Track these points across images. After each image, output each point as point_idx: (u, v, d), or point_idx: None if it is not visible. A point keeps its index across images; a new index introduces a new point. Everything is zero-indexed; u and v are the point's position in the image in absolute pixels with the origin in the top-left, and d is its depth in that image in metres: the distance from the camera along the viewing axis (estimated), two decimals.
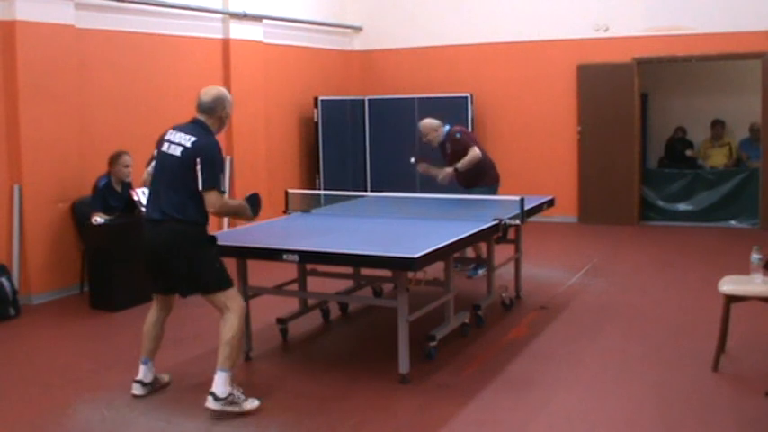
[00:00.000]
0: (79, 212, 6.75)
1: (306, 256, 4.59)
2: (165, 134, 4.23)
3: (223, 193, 4.10)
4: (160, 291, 4.37)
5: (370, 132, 10.76)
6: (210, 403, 4.01)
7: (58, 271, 6.75)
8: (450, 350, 5.00)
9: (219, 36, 8.71)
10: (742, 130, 10.32)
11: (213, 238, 4.23)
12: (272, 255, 4.61)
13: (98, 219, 6.38)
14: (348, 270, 5.93)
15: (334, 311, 6.02)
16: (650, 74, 10.46)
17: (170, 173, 4.09)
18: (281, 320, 5.42)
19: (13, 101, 6.41)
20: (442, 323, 5.08)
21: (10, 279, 6.24)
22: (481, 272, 6.75)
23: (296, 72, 10.02)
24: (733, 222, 9.62)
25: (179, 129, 4.18)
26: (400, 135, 10.42)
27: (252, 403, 4.09)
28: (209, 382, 4.11)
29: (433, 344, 4.86)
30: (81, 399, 4.40)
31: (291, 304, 5.68)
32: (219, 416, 4.01)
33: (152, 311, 4.43)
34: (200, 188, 4.00)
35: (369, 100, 10.81)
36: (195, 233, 4.11)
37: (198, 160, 3.99)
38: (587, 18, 9.88)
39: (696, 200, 9.88)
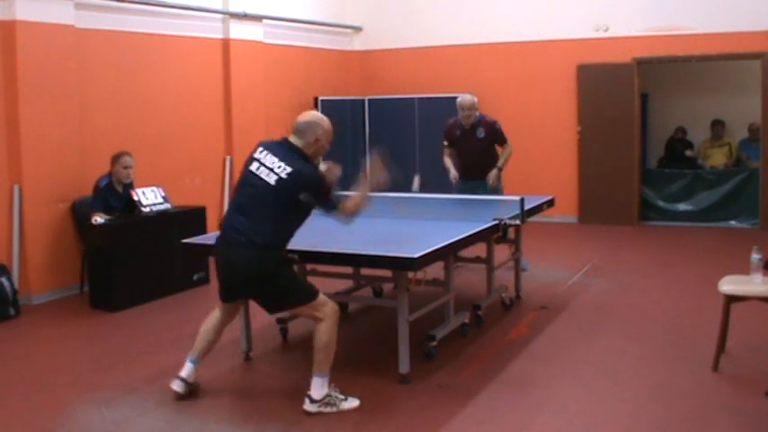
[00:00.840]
0: (79, 212, 6.75)
1: (306, 256, 4.58)
2: (254, 150, 4.09)
3: (341, 200, 4.07)
4: (229, 300, 4.29)
5: (370, 132, 10.76)
6: (307, 405, 4.03)
7: (58, 271, 6.75)
8: (450, 350, 5.00)
9: (219, 36, 8.71)
10: (742, 130, 10.32)
11: (292, 262, 4.19)
12: None
13: (98, 219, 6.38)
14: (348, 270, 5.92)
15: None
16: (650, 74, 10.46)
17: (257, 198, 3.96)
18: (280, 320, 5.41)
19: (13, 101, 6.41)
20: (442, 323, 5.08)
21: (10, 279, 6.24)
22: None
23: (296, 72, 10.02)
24: (733, 222, 9.62)
25: (271, 149, 4.03)
26: (400, 135, 10.42)
27: (351, 403, 4.10)
28: (209, 382, 4.12)
29: (433, 344, 4.86)
30: (81, 399, 4.39)
31: None
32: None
33: (215, 314, 4.35)
34: (325, 214, 4.05)
35: (369, 100, 10.81)
36: (270, 258, 3.98)
37: (304, 195, 3.92)
38: (587, 18, 9.88)
39: (696, 200, 9.88)
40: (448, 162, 7.19)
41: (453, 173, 7.08)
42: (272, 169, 3.93)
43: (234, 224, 4.02)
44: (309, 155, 4.05)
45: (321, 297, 4.12)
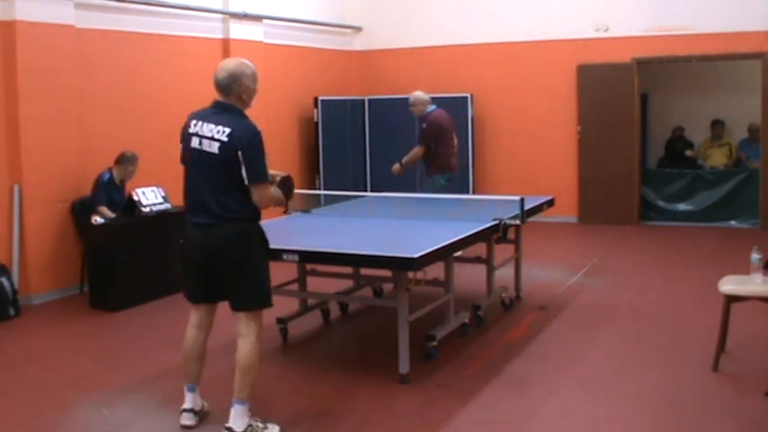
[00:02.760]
0: (79, 212, 6.75)
1: (306, 256, 4.59)
2: (186, 126, 3.78)
3: (269, 182, 3.73)
4: (206, 300, 3.90)
5: (370, 132, 10.76)
6: None
7: (58, 271, 6.75)
8: (450, 350, 5.00)
9: (219, 36, 8.71)
10: (742, 130, 10.32)
11: (267, 243, 3.83)
12: (272, 255, 4.58)
13: (98, 219, 6.39)
14: (348, 270, 5.93)
15: (334, 311, 6.02)
16: (650, 74, 10.45)
17: (211, 172, 3.66)
18: (281, 320, 5.42)
19: (13, 101, 6.41)
20: (441, 323, 5.08)
21: (10, 279, 6.24)
22: None
23: (296, 72, 10.02)
24: (733, 222, 9.63)
25: (204, 119, 3.71)
26: (400, 135, 10.40)
27: (272, 430, 3.80)
28: (209, 382, 4.11)
29: (433, 344, 4.86)
30: (81, 399, 4.40)
31: (291, 304, 5.68)
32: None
33: (190, 330, 3.95)
34: (246, 183, 3.61)
35: (369, 100, 10.80)
36: (251, 230, 3.73)
37: (240, 154, 3.59)
38: (587, 18, 9.88)
39: (696, 200, 9.88)
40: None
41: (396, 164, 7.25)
42: (211, 138, 3.64)
43: (194, 204, 3.76)
44: (243, 107, 3.76)
45: (265, 311, 3.84)
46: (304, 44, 10.19)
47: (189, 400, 3.94)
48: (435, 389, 4.41)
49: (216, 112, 3.72)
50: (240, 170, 3.61)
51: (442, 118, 7.19)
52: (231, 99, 3.74)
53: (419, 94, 7.25)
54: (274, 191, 3.82)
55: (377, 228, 5.39)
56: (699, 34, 9.30)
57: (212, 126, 3.67)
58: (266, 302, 3.81)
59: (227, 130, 3.62)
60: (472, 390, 4.37)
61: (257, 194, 3.66)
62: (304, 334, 5.59)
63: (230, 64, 3.81)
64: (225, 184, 3.66)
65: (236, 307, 3.79)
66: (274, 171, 3.88)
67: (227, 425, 3.71)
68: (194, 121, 3.75)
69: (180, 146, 3.86)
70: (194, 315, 3.96)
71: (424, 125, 7.14)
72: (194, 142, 3.71)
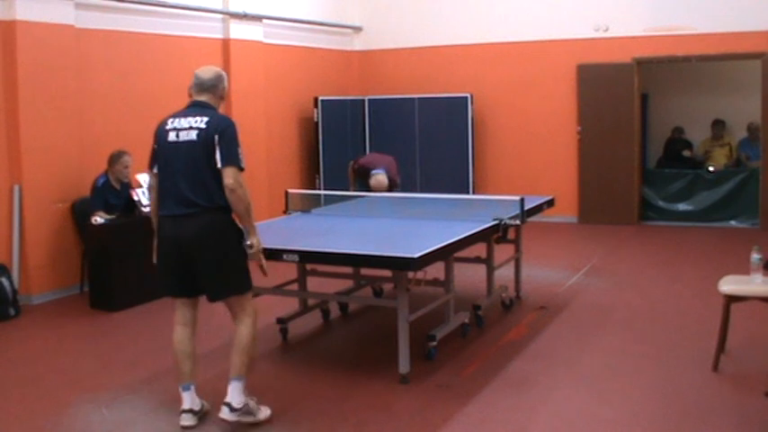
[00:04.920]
0: (79, 212, 6.75)
1: (306, 256, 4.59)
2: (163, 125, 3.90)
3: (242, 170, 3.78)
4: (185, 294, 3.97)
5: (370, 132, 10.76)
6: (226, 414, 3.84)
7: (58, 271, 6.75)
8: (450, 350, 5.00)
9: (219, 36, 8.72)
10: (742, 130, 10.32)
11: (242, 233, 3.87)
12: (272, 255, 4.58)
13: (98, 219, 6.38)
14: (348, 270, 5.93)
15: (335, 311, 6.02)
16: (650, 74, 10.46)
17: (187, 161, 3.76)
18: (281, 320, 5.42)
19: (13, 101, 6.41)
20: (442, 323, 5.08)
21: (10, 279, 6.24)
22: None
23: (296, 72, 10.02)
24: (733, 222, 9.63)
25: (182, 115, 3.87)
26: (400, 135, 10.42)
27: (265, 412, 3.96)
28: (209, 382, 4.11)
29: (433, 344, 4.86)
30: (81, 399, 4.40)
31: (291, 304, 5.68)
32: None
33: (176, 329, 4.02)
34: (219, 165, 3.71)
35: (369, 100, 10.80)
36: (222, 220, 3.81)
37: (216, 137, 3.72)
38: (587, 18, 9.88)
39: (696, 200, 9.89)
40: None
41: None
42: (189, 127, 3.79)
43: (169, 198, 3.82)
44: (217, 106, 3.95)
45: (252, 292, 3.98)
46: (304, 44, 10.19)
47: (187, 401, 3.96)
48: (435, 389, 4.41)
49: (193, 110, 3.90)
50: (215, 156, 3.73)
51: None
52: (210, 99, 3.94)
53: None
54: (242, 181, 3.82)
55: (377, 228, 5.39)
56: (699, 34, 9.30)
57: (190, 118, 3.83)
58: (247, 287, 3.93)
59: (206, 119, 3.80)
60: (472, 390, 4.37)
61: (229, 176, 3.72)
62: (304, 334, 5.59)
63: (213, 68, 4.05)
64: (201, 173, 3.76)
65: (214, 297, 3.92)
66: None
67: (225, 400, 3.84)
68: (171, 119, 3.90)
69: (150, 150, 3.96)
70: (178, 313, 4.04)
71: None
72: (171, 137, 3.84)
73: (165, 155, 3.88)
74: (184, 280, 3.90)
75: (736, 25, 9.10)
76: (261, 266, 3.94)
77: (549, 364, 4.82)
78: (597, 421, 3.97)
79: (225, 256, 3.83)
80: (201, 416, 3.99)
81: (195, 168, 3.76)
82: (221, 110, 4.02)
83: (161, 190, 3.90)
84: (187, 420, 3.93)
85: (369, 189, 6.99)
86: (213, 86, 3.93)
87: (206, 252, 3.79)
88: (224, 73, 4.04)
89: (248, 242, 3.86)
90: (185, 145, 3.78)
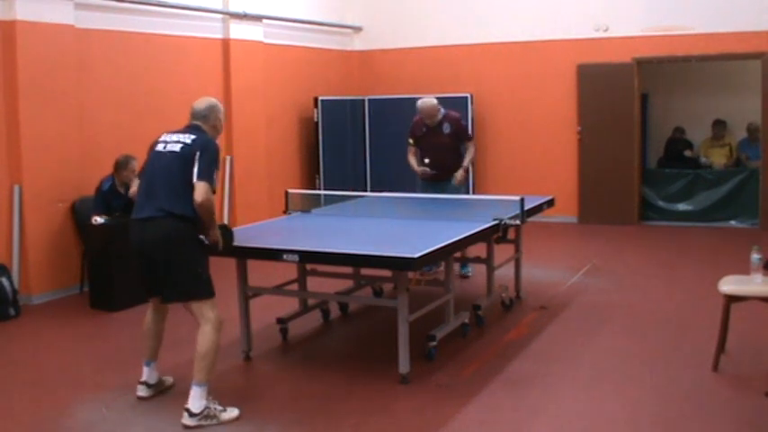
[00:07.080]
0: (79, 212, 6.75)
1: (306, 256, 4.59)
2: (157, 139, 4.22)
3: (213, 190, 4.03)
4: (153, 294, 4.29)
5: (370, 132, 10.75)
6: (186, 420, 3.92)
7: (58, 271, 6.75)
8: (450, 350, 5.00)
9: (219, 36, 8.71)
10: (742, 130, 10.32)
11: (202, 242, 4.12)
12: (273, 255, 4.61)
13: (98, 219, 6.38)
14: (348, 270, 5.93)
15: (335, 311, 6.02)
16: (650, 74, 10.45)
17: (166, 169, 4.04)
18: (281, 320, 5.42)
19: (13, 101, 6.41)
20: (442, 323, 5.08)
21: (10, 279, 6.24)
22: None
23: (296, 72, 10.02)
24: (733, 222, 9.63)
25: (175, 132, 4.18)
26: (400, 135, 10.37)
27: (230, 413, 4.02)
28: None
29: (433, 344, 4.86)
30: (81, 399, 4.40)
31: (291, 304, 5.69)
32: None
33: (149, 313, 4.40)
34: (195, 179, 3.95)
35: (369, 100, 10.80)
36: (186, 228, 4.02)
37: (197, 153, 3.99)
38: (587, 18, 9.87)
39: (696, 200, 9.88)
40: (412, 160, 7.06)
41: (420, 167, 6.92)
42: (176, 141, 4.09)
43: (143, 202, 4.10)
44: (212, 134, 4.23)
45: (215, 301, 4.10)
46: (304, 44, 10.19)
47: (145, 374, 4.35)
48: (435, 389, 4.41)
49: (186, 129, 4.21)
50: (193, 169, 3.97)
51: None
52: (203, 124, 4.22)
53: (433, 101, 6.94)
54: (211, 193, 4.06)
55: (377, 228, 5.39)
56: (699, 34, 9.30)
57: (180, 135, 4.15)
58: (208, 293, 4.08)
59: (193, 137, 4.10)
60: (472, 390, 4.37)
61: (200, 190, 3.94)
62: (304, 334, 5.59)
63: (208, 99, 4.33)
64: (175, 182, 4.01)
65: (166, 299, 4.19)
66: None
67: (185, 406, 3.97)
68: (165, 135, 4.21)
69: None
70: (151, 305, 4.40)
71: (452, 125, 6.89)
72: (159, 147, 4.16)
73: (149, 161, 4.20)
74: (150, 280, 4.20)
75: (736, 25, 9.10)
76: (216, 242, 4.17)
77: (549, 364, 4.82)
78: (597, 421, 3.97)
79: (182, 260, 4.03)
80: (160, 389, 4.38)
81: (170, 176, 4.03)
82: (218, 141, 4.25)
83: (140, 192, 4.21)
84: (141, 391, 4.33)
85: (432, 158, 6.84)
86: (205, 116, 4.22)
87: (164, 254, 4.02)
88: (219, 104, 4.32)
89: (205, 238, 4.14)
90: (168, 154, 4.08)
